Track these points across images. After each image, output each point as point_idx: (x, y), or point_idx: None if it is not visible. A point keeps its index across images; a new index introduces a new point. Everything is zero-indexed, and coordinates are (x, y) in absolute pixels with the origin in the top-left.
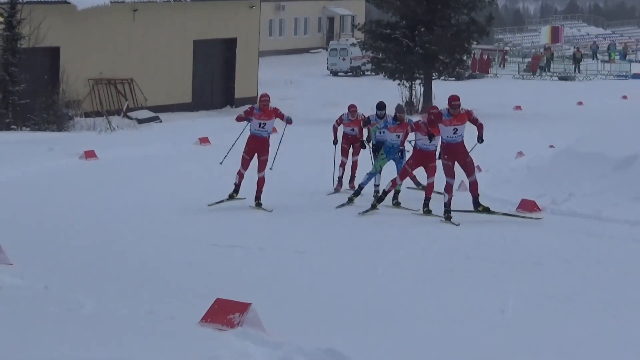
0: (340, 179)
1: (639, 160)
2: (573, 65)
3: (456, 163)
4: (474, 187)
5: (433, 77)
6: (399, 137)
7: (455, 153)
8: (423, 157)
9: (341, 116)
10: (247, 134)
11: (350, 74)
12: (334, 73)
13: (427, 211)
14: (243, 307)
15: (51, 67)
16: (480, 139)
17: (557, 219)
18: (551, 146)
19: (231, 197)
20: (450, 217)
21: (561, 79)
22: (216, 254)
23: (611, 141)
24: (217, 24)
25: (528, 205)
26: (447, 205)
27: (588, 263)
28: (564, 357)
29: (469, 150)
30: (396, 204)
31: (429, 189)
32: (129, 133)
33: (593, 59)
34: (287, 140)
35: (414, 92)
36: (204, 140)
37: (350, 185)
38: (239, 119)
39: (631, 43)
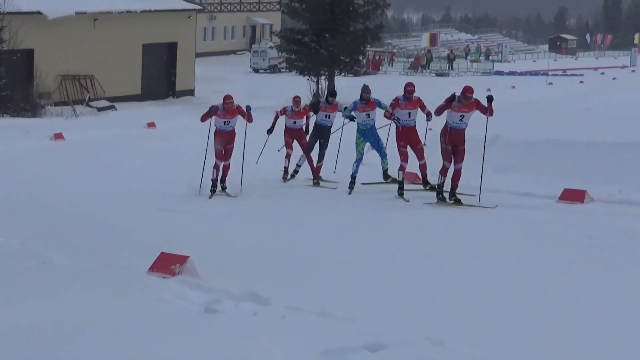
0: (286, 168)
1: (501, 139)
2: (447, 64)
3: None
4: (456, 176)
5: (335, 74)
6: (369, 117)
7: (455, 138)
8: (407, 134)
9: (285, 107)
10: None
11: (268, 71)
12: (256, 70)
13: (432, 187)
14: (182, 259)
15: (27, 65)
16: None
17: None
18: (430, 129)
19: (214, 192)
20: (444, 199)
21: (438, 75)
22: (162, 216)
23: (476, 126)
24: (161, 30)
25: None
26: (440, 187)
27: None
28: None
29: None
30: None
31: (422, 169)
32: (90, 119)
33: (465, 59)
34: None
35: (319, 85)
36: (150, 125)
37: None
38: (203, 119)
39: (493, 46)
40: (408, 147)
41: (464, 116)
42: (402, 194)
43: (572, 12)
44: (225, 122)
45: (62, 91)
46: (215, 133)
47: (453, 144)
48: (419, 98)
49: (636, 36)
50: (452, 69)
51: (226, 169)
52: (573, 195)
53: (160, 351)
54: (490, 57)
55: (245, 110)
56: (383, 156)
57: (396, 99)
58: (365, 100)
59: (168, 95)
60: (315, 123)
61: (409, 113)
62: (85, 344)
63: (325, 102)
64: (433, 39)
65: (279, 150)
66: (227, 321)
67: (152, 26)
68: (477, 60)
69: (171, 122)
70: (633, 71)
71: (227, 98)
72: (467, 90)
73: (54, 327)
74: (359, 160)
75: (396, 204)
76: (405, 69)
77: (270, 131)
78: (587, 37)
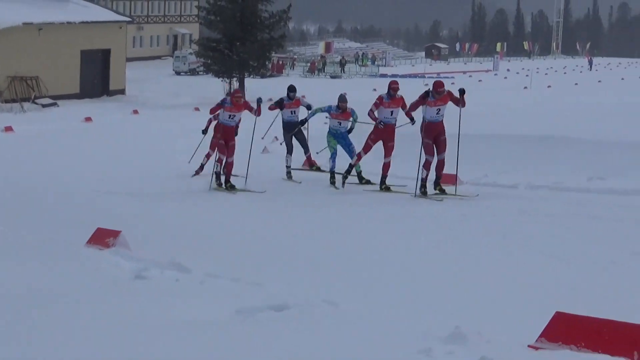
0: (203, 165)
1: None
2: (340, 68)
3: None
4: (440, 166)
5: (245, 76)
6: (340, 124)
7: (435, 131)
8: (383, 131)
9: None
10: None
11: (188, 73)
12: (178, 73)
13: (386, 188)
14: (116, 234)
15: None
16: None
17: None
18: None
19: (221, 186)
20: (426, 193)
21: (332, 77)
22: (99, 196)
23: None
24: (97, 39)
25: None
26: (424, 181)
27: None
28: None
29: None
30: (365, 182)
31: (385, 168)
32: (36, 114)
33: (355, 64)
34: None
35: (232, 86)
36: (88, 119)
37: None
38: (213, 111)
39: (378, 53)
40: (380, 143)
41: (440, 109)
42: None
43: (445, 25)
44: (230, 115)
45: (12, 90)
46: (217, 127)
47: (434, 136)
48: (401, 97)
49: (498, 45)
50: (343, 72)
51: (230, 166)
52: (448, 179)
53: (96, 312)
54: (376, 62)
55: (252, 106)
56: (353, 159)
57: (380, 98)
58: (342, 110)
59: (103, 94)
60: (283, 121)
61: (392, 111)
62: (26, 308)
63: (287, 98)
64: (328, 47)
65: (262, 138)
66: (154, 286)
67: (89, 35)
68: (365, 65)
69: (105, 117)
70: (496, 74)
71: (236, 92)
72: (438, 85)
73: None
74: (334, 155)
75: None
76: (304, 72)
77: (205, 132)
78: (457, 45)
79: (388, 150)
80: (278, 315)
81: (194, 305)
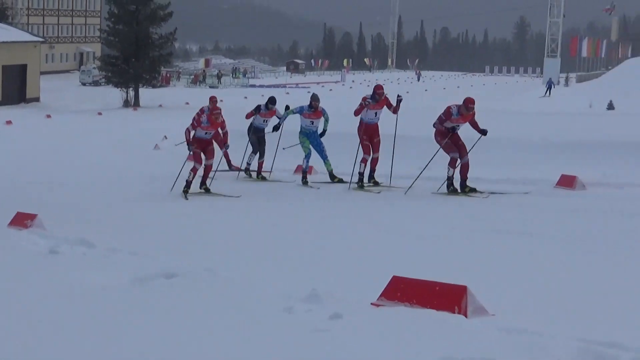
0: (189, 183)
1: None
2: (217, 80)
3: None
4: (374, 162)
5: (140, 87)
6: (312, 124)
7: (372, 132)
8: (371, 130)
9: (200, 116)
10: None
11: (92, 84)
12: (83, 84)
13: (375, 183)
14: (33, 217)
15: None
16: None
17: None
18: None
19: (187, 192)
20: (363, 186)
21: (210, 87)
22: (18, 186)
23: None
24: (16, 56)
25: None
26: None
27: None
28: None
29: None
30: (338, 180)
31: (373, 163)
32: None
33: (230, 77)
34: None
35: (128, 94)
36: (8, 122)
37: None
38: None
39: (248, 67)
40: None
41: (377, 113)
42: (363, 186)
43: (302, 44)
44: (206, 132)
45: None
46: (194, 139)
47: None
48: (385, 97)
49: (345, 61)
50: (220, 83)
51: (208, 169)
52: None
53: (17, 283)
54: (247, 75)
55: (225, 130)
56: (324, 158)
57: (364, 99)
58: (314, 109)
59: (21, 102)
60: (253, 125)
61: (376, 112)
62: None
63: (265, 108)
64: (207, 62)
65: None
66: (65, 260)
67: (9, 53)
68: (238, 77)
69: (23, 120)
70: (343, 85)
71: (215, 109)
72: (378, 88)
73: None
74: (308, 155)
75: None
76: (188, 83)
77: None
78: (312, 61)
79: (376, 146)
80: (167, 282)
81: (98, 275)
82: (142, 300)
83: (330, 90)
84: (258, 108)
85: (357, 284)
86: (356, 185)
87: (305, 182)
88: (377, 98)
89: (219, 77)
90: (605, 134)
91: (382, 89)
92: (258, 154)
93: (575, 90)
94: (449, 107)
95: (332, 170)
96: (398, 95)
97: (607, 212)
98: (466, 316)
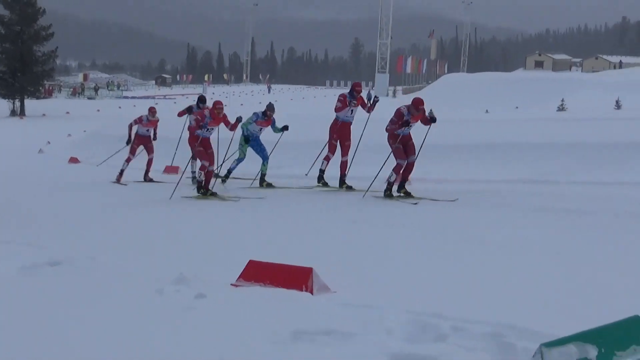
0: (122, 171)
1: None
2: (94, 92)
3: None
4: (343, 166)
5: (25, 98)
6: (260, 131)
7: (345, 132)
8: (344, 129)
9: (141, 116)
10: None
11: None
12: None
13: (347, 187)
14: None
15: None
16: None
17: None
18: (69, 135)
19: (205, 194)
20: (327, 183)
21: (89, 98)
22: None
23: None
24: None
25: None
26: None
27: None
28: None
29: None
30: (267, 185)
31: (343, 167)
32: None
33: (106, 89)
34: None
35: (15, 105)
36: None
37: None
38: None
39: (122, 81)
40: (338, 141)
41: (352, 111)
42: (325, 184)
43: (169, 61)
44: (209, 129)
45: None
46: (193, 138)
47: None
48: (360, 96)
49: (206, 76)
50: (97, 95)
51: (210, 175)
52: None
53: None
54: (120, 88)
55: (230, 121)
56: (265, 159)
57: (344, 96)
58: (267, 117)
59: None
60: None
61: (352, 110)
62: None
63: (196, 108)
64: (85, 77)
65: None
66: None
67: None
68: (112, 90)
69: None
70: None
71: (218, 103)
72: (357, 85)
73: None
74: (241, 160)
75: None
76: (68, 95)
77: (128, 142)
78: (178, 76)
79: (345, 150)
80: (52, 269)
81: None
82: (29, 286)
83: (194, 101)
84: (190, 108)
85: (220, 268)
86: (318, 183)
87: (224, 180)
88: (355, 95)
89: (96, 89)
90: (428, 137)
91: (361, 86)
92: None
93: (402, 100)
94: (399, 109)
95: (265, 173)
96: (375, 97)
97: (399, 203)
98: (312, 293)
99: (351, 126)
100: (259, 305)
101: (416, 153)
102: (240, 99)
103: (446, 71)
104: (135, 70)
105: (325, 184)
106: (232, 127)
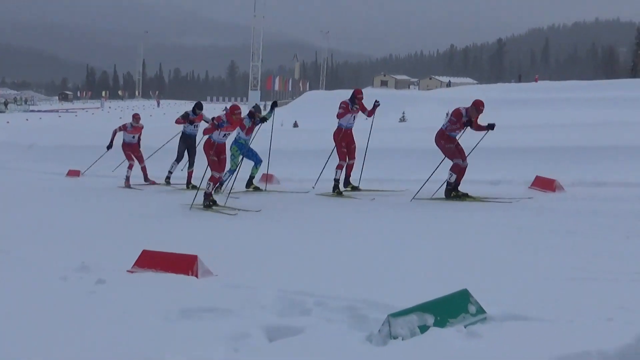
0: (128, 178)
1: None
2: (4, 106)
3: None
4: (349, 168)
5: None
6: (251, 137)
7: (349, 138)
8: (348, 136)
9: (125, 124)
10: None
11: None
12: None
13: (353, 188)
14: None
15: None
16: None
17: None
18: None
19: (214, 203)
20: (342, 192)
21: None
22: None
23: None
24: None
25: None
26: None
27: None
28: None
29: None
30: (254, 188)
31: (349, 169)
32: None
33: (14, 104)
34: None
35: None
36: None
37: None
38: (207, 131)
39: (29, 97)
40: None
41: (354, 117)
42: (341, 192)
43: (71, 80)
44: (225, 134)
45: None
46: (208, 144)
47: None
48: (362, 102)
49: (103, 92)
50: (7, 109)
51: (216, 181)
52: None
53: None
54: (27, 103)
55: (245, 124)
56: (258, 163)
57: (346, 103)
58: (253, 119)
59: None
60: (183, 132)
61: (354, 117)
62: None
63: (192, 113)
64: None
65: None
66: None
67: None
68: (20, 104)
69: None
70: (102, 110)
71: (235, 108)
72: (358, 92)
73: None
74: (232, 171)
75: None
76: None
77: (109, 147)
78: (78, 92)
79: (352, 152)
80: None
81: None
82: None
83: (93, 114)
84: (186, 114)
85: (117, 257)
86: (334, 192)
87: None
88: (356, 101)
89: (5, 104)
90: (293, 144)
91: (362, 93)
92: (188, 164)
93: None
94: (457, 110)
95: (254, 176)
96: (376, 101)
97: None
98: (197, 277)
99: (352, 130)
100: (152, 288)
101: (466, 156)
102: (134, 112)
103: (308, 89)
104: (40, 87)
105: (340, 194)
106: (248, 131)
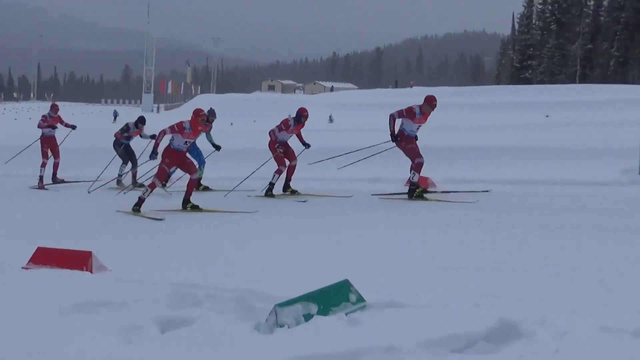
0: (41, 177)
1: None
2: None
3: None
4: (290, 170)
5: None
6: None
7: (284, 145)
8: (284, 144)
9: (44, 115)
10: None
11: None
12: None
13: (292, 192)
14: None
15: None
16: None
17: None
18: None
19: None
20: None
21: None
22: None
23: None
24: None
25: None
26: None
27: None
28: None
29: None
30: (203, 188)
31: (290, 170)
32: None
33: None
34: None
35: None
36: None
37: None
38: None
39: None
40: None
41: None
42: (273, 195)
43: None
44: (186, 142)
45: None
46: (167, 152)
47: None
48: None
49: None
50: None
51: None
52: None
53: None
54: None
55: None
56: (202, 164)
57: (287, 126)
58: (209, 122)
59: None
60: (119, 141)
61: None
62: None
63: (135, 126)
64: None
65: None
66: None
67: None
68: None
69: None
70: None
71: (199, 111)
72: (303, 111)
73: None
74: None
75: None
76: None
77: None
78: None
79: (290, 155)
80: None
81: None
82: None
83: (30, 118)
84: (127, 127)
85: (10, 254)
86: (266, 195)
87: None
88: (302, 121)
89: None
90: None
91: (307, 111)
92: (130, 165)
93: (163, 116)
94: (411, 107)
95: (201, 177)
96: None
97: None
98: (92, 272)
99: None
100: (47, 284)
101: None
102: (29, 114)
103: (199, 92)
104: None
105: (272, 196)
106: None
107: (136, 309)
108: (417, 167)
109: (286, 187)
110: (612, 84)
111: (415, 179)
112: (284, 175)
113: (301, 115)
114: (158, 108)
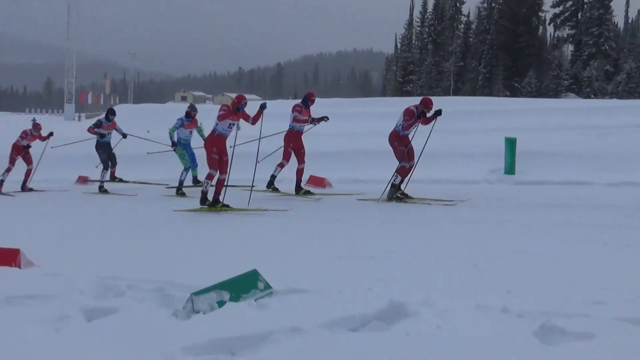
0: (2, 182)
1: None
2: None
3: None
4: (299, 173)
5: None
6: (190, 133)
7: (299, 141)
8: (298, 139)
9: (25, 131)
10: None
11: None
12: None
13: (305, 192)
14: None
15: None
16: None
17: None
18: None
19: (210, 206)
20: (277, 188)
21: None
22: None
23: None
24: None
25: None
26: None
27: None
28: None
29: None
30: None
31: (299, 174)
32: None
33: None
34: None
35: None
36: None
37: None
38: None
39: None
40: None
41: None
42: (275, 188)
43: None
44: (230, 124)
45: None
46: (209, 140)
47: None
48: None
49: None
50: None
51: (221, 184)
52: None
53: None
54: None
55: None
56: (195, 166)
57: (300, 106)
58: (192, 118)
59: None
60: (98, 142)
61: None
62: None
63: (106, 121)
64: None
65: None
66: None
67: None
68: None
69: None
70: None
71: (242, 97)
72: (311, 95)
73: None
74: (187, 169)
75: None
76: None
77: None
78: None
79: (301, 157)
80: None
81: None
82: None
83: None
84: (99, 122)
85: None
86: (268, 188)
87: (181, 193)
88: (309, 105)
89: None
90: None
91: (314, 95)
92: (110, 164)
93: (84, 124)
94: (408, 108)
95: (196, 175)
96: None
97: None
98: (20, 268)
99: (302, 135)
100: None
101: (416, 159)
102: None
103: (118, 102)
104: None
105: (276, 189)
106: (255, 120)
107: (63, 301)
108: (401, 170)
109: (298, 189)
110: (480, 96)
111: (397, 181)
112: (286, 175)
113: (308, 99)
114: (79, 117)
